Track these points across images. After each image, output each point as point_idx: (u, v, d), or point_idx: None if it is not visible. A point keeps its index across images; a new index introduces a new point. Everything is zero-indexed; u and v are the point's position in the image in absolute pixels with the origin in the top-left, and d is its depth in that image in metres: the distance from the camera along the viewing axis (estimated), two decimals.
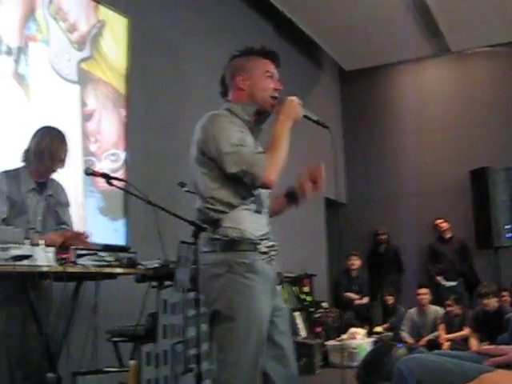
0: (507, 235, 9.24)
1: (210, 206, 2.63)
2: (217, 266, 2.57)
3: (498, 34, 9.68)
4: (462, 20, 9.09)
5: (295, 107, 2.81)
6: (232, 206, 2.62)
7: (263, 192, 2.74)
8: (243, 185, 2.59)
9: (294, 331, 7.83)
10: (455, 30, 9.49)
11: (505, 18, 9.00)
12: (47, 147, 3.55)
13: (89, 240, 3.61)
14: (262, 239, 2.66)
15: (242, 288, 2.54)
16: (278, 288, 2.79)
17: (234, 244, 2.58)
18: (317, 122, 2.96)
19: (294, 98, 2.84)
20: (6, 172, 3.57)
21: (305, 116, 2.86)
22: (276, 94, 2.85)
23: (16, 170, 3.61)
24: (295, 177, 2.97)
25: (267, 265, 2.64)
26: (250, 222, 2.64)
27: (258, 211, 2.71)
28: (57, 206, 3.73)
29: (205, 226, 2.67)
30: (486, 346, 4.79)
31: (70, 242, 3.39)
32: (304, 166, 2.90)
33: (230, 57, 2.95)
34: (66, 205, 3.87)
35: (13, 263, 2.83)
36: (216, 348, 2.59)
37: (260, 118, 2.83)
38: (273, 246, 2.73)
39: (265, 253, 2.65)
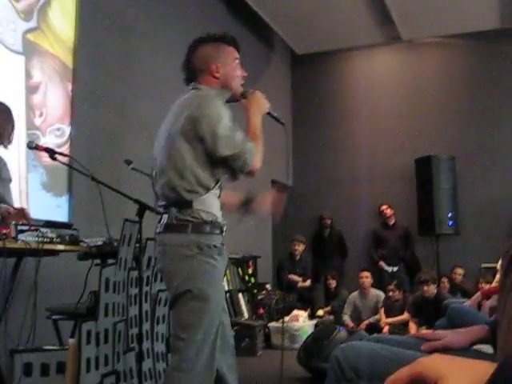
0: (449, 223, 9.45)
1: (186, 186, 2.65)
2: (186, 248, 2.61)
3: (449, 25, 9.82)
4: (414, 9, 9.19)
5: (263, 101, 2.91)
6: (206, 189, 2.68)
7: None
8: (228, 169, 2.69)
9: (237, 312, 7.86)
10: (406, 19, 9.59)
11: (456, 9, 9.14)
12: None
13: (30, 217, 3.52)
14: (223, 224, 2.77)
15: (213, 270, 2.64)
16: None
17: (205, 226, 2.65)
18: (275, 119, 3.06)
19: (258, 92, 2.93)
20: None
21: (268, 112, 2.95)
22: (242, 82, 2.95)
23: None
24: None
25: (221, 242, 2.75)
26: (217, 206, 2.75)
27: (219, 196, 2.80)
28: None
29: (167, 204, 2.70)
30: (423, 331, 4.89)
31: (11, 220, 3.31)
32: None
33: (192, 41, 2.96)
34: (8, 181, 3.76)
35: None
36: (179, 327, 2.62)
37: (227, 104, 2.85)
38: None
39: (218, 233, 2.74)
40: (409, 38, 10.41)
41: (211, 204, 2.70)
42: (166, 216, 2.69)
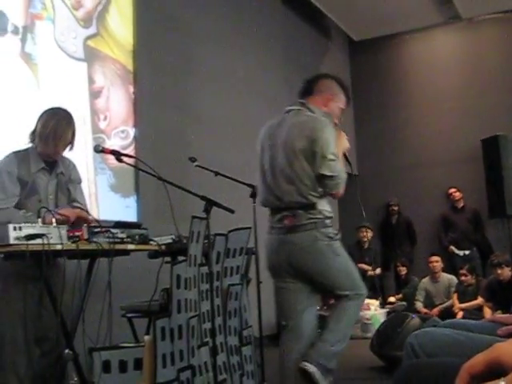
0: None
1: (313, 193, 3.34)
2: (321, 240, 3.35)
3: (508, 0, 9.53)
4: None
5: (345, 142, 3.54)
6: (321, 195, 3.39)
7: None
8: (319, 184, 3.34)
9: None
10: None
11: None
12: (53, 130, 3.50)
13: (89, 217, 3.58)
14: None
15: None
16: None
17: (327, 222, 3.39)
18: (347, 160, 3.60)
19: (343, 133, 3.55)
20: (16, 153, 3.54)
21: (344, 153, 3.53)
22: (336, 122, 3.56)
23: (25, 150, 3.58)
24: None
25: None
26: (328, 206, 3.46)
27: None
28: (68, 183, 3.72)
29: (294, 207, 3.38)
30: (499, 315, 4.79)
31: (78, 221, 3.39)
32: None
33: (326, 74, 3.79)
34: (78, 181, 3.85)
35: (26, 242, 2.85)
36: (338, 288, 3.46)
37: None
38: None
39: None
40: (468, 16, 10.16)
41: (325, 204, 3.40)
42: (292, 218, 3.37)
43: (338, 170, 3.31)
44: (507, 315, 2.15)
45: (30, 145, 3.61)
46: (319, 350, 3.37)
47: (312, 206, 3.33)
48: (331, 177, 3.29)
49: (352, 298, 3.43)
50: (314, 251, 3.36)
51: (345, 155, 3.51)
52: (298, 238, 3.36)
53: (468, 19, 10.25)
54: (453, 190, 9.53)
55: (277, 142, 3.44)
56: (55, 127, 3.52)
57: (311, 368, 3.26)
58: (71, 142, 3.62)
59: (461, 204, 9.54)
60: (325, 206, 3.41)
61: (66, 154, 3.70)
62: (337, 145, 3.36)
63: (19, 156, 3.52)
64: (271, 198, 3.49)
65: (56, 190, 3.63)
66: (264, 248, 3.72)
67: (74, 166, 3.84)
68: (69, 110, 3.69)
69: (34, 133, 3.59)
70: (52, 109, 3.64)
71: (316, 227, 3.33)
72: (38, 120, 3.58)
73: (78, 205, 3.67)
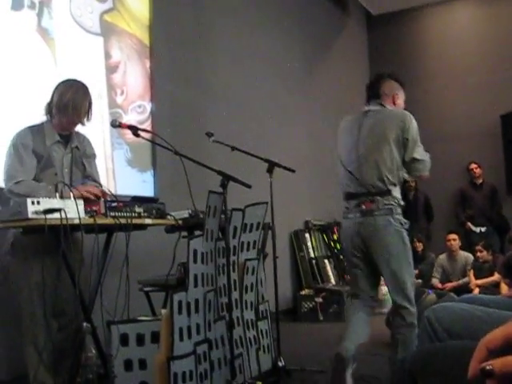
0: None
1: (391, 179, 3.69)
2: (394, 225, 3.66)
3: None
4: None
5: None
6: (400, 182, 3.77)
7: None
8: (409, 168, 3.76)
9: (325, 279, 7.89)
10: None
11: None
12: (71, 100, 3.50)
13: (108, 193, 3.59)
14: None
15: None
16: None
17: (399, 209, 3.71)
18: None
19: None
20: (31, 127, 3.54)
21: None
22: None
23: (40, 125, 3.59)
24: None
25: None
26: (400, 195, 3.80)
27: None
28: (83, 157, 3.73)
29: (373, 192, 3.71)
30: None
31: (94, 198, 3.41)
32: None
33: (382, 74, 4.21)
34: (93, 157, 3.86)
35: (44, 216, 2.87)
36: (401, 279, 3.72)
37: None
38: None
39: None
40: None
41: (398, 192, 3.76)
42: (370, 203, 3.69)
43: (424, 155, 3.78)
44: None
45: (45, 119, 3.62)
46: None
47: (388, 193, 3.67)
48: (421, 160, 3.75)
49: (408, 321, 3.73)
50: (387, 233, 3.65)
51: None
52: (374, 221, 3.67)
53: None
54: (474, 165, 9.44)
55: (364, 133, 3.81)
56: (73, 97, 3.52)
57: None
58: (88, 112, 3.62)
59: (480, 180, 9.47)
60: (398, 194, 3.75)
61: (84, 127, 3.70)
62: None
63: (34, 130, 3.53)
64: (352, 184, 3.81)
65: (71, 164, 3.64)
66: (341, 233, 4.12)
67: (89, 141, 3.85)
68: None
69: (50, 104, 3.59)
70: (67, 80, 3.65)
71: (391, 213, 3.66)
72: (54, 91, 3.58)
73: (92, 182, 3.68)
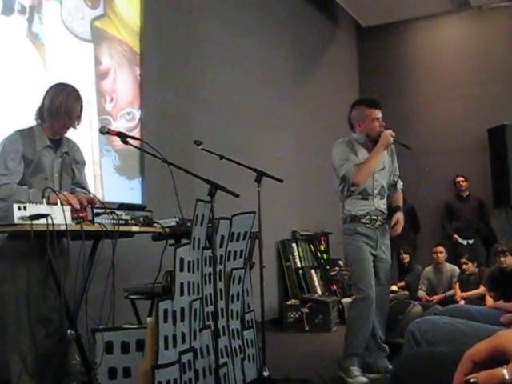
0: None
1: (340, 196, 4.63)
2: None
3: None
4: None
5: (388, 138, 4.51)
6: (345, 197, 4.58)
7: (369, 185, 4.53)
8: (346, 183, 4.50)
9: (311, 289, 7.89)
10: None
11: None
12: (63, 103, 3.49)
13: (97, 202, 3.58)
14: (363, 215, 4.52)
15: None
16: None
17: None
18: (403, 145, 4.70)
19: (389, 131, 4.55)
20: (21, 131, 3.52)
21: (394, 141, 4.63)
22: (382, 129, 4.56)
23: (30, 129, 3.57)
24: None
25: (369, 229, 4.54)
26: (355, 205, 4.52)
27: (364, 198, 4.54)
28: (72, 163, 3.72)
29: None
30: (503, 302, 4.78)
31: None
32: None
33: (357, 102, 4.81)
34: (82, 163, 3.85)
35: (30, 222, 2.86)
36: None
37: (375, 142, 4.54)
38: (376, 218, 4.56)
39: (367, 222, 4.52)
40: (478, 3, 10.09)
41: (351, 205, 4.63)
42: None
43: (343, 168, 4.47)
44: (510, 303, 2.15)
45: (35, 123, 3.60)
46: None
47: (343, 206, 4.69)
48: (342, 176, 4.51)
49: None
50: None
51: (397, 142, 4.67)
52: None
53: (477, 7, 10.18)
54: (460, 178, 9.48)
55: None
56: (65, 100, 3.51)
57: None
58: (79, 116, 3.61)
59: (466, 193, 9.51)
60: (349, 206, 4.61)
61: (73, 133, 3.69)
62: (382, 144, 4.47)
63: (24, 134, 3.51)
64: None
65: (61, 169, 3.62)
66: None
67: (78, 147, 3.84)
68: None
69: (41, 108, 3.58)
70: (59, 84, 3.63)
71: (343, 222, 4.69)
72: (46, 95, 3.56)
73: (80, 189, 3.65)
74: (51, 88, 3.60)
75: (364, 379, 4.34)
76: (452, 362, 0.86)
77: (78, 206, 3.32)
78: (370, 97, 4.98)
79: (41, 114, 3.58)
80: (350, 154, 4.48)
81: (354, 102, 4.74)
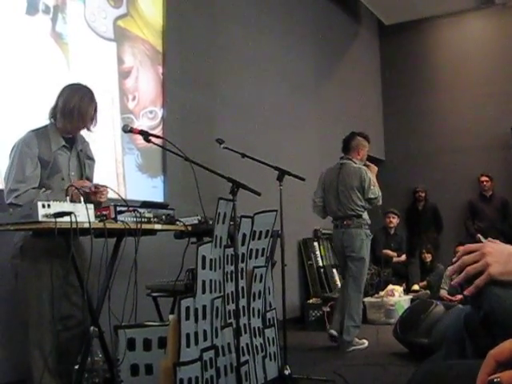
0: None
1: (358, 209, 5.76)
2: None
3: None
4: None
5: (375, 171, 5.92)
6: (364, 210, 5.79)
7: None
8: (368, 202, 5.77)
9: (332, 288, 7.87)
10: None
11: None
12: (76, 106, 3.48)
13: (108, 196, 3.57)
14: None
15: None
16: None
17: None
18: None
19: (373, 166, 5.97)
20: (35, 131, 3.50)
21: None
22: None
23: (44, 128, 3.56)
24: None
25: None
26: (367, 216, 5.83)
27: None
28: (85, 159, 3.72)
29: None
30: None
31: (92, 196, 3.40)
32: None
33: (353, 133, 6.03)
34: (93, 160, 3.84)
35: (55, 220, 2.88)
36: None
37: None
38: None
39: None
40: (502, 1, 9.98)
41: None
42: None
43: (377, 192, 5.70)
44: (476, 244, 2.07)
45: (48, 122, 3.60)
46: None
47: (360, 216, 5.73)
48: (374, 198, 5.70)
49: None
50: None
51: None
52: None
53: (501, 4, 10.07)
54: (485, 178, 9.37)
55: (339, 181, 5.77)
56: (79, 103, 3.49)
57: None
58: (93, 118, 3.60)
59: (489, 192, 9.42)
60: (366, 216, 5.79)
61: (92, 133, 3.70)
62: (372, 173, 5.78)
63: (39, 134, 3.49)
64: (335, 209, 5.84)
65: (77, 167, 3.64)
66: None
67: (88, 143, 3.82)
68: (94, 88, 3.68)
69: (54, 109, 3.56)
70: (72, 84, 3.61)
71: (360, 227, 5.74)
72: (59, 96, 3.55)
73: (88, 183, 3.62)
74: (65, 88, 3.57)
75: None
76: (472, 375, 0.85)
77: (92, 188, 3.33)
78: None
79: (54, 113, 3.56)
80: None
81: (358, 133, 5.96)
